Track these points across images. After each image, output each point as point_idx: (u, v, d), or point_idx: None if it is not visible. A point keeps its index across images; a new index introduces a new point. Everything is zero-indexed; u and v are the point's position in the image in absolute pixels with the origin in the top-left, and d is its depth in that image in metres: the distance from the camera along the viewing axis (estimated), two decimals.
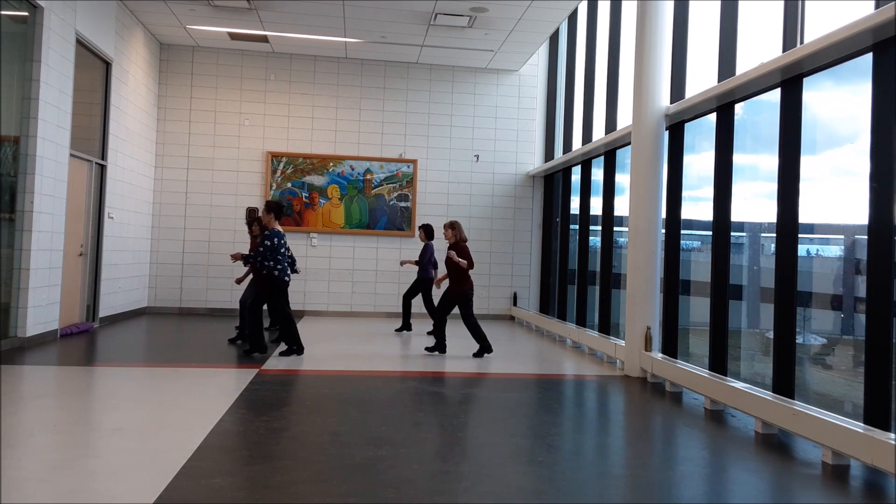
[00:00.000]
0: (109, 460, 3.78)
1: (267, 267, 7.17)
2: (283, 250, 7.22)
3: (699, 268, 7.27)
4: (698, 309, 7.06)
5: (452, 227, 7.93)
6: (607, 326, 8.86)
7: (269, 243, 7.10)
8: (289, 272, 7.39)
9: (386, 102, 11.84)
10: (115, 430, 4.36)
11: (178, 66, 11.40)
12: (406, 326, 9.84)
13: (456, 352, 8.05)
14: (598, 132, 9.69)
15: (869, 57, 4.80)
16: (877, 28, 4.41)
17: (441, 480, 3.69)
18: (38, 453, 3.83)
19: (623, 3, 8.95)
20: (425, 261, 9.56)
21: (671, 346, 7.07)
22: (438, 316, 8.00)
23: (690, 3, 7.32)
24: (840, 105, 5.68)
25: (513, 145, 12.13)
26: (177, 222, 11.33)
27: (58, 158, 7.79)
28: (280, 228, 7.30)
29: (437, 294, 9.65)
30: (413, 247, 11.61)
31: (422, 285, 9.66)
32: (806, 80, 5.40)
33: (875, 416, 4.47)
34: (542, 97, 12.23)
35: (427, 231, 9.61)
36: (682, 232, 7.22)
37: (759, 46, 6.13)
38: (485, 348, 7.78)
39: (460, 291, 7.78)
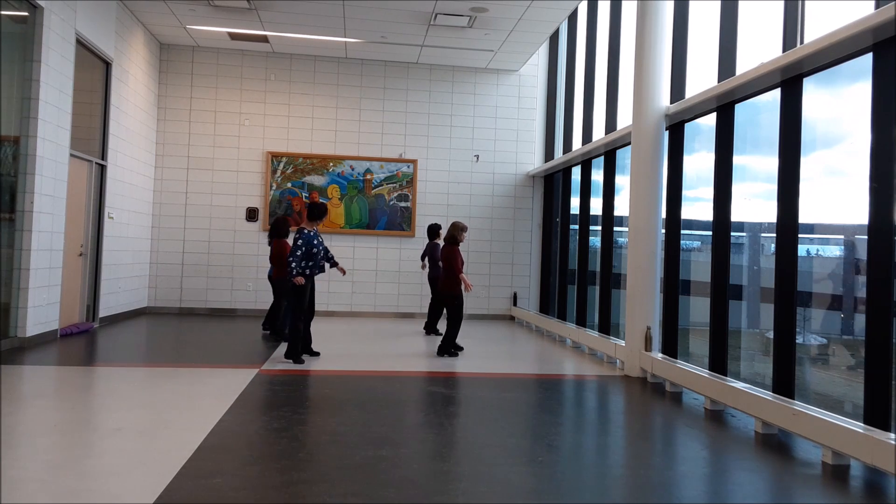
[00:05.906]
0: (109, 460, 3.79)
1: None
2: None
3: (699, 268, 7.26)
4: (698, 309, 7.06)
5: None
6: (607, 326, 8.86)
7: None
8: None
9: (386, 102, 11.83)
10: (115, 430, 4.36)
11: (178, 66, 11.40)
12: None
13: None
14: (598, 132, 9.68)
15: (857, 61, 4.80)
16: (877, 28, 4.41)
17: (441, 480, 3.69)
18: (38, 453, 3.82)
19: (623, 3, 8.94)
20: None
21: (671, 346, 7.07)
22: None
23: (690, 3, 7.32)
24: (832, 107, 5.68)
25: (513, 145, 12.13)
26: (177, 222, 11.32)
27: (58, 158, 7.79)
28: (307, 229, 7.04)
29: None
30: (413, 246, 11.62)
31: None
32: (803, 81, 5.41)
33: (875, 416, 4.47)
34: (542, 97, 12.23)
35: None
36: (682, 232, 7.22)
37: (759, 46, 6.13)
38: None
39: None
